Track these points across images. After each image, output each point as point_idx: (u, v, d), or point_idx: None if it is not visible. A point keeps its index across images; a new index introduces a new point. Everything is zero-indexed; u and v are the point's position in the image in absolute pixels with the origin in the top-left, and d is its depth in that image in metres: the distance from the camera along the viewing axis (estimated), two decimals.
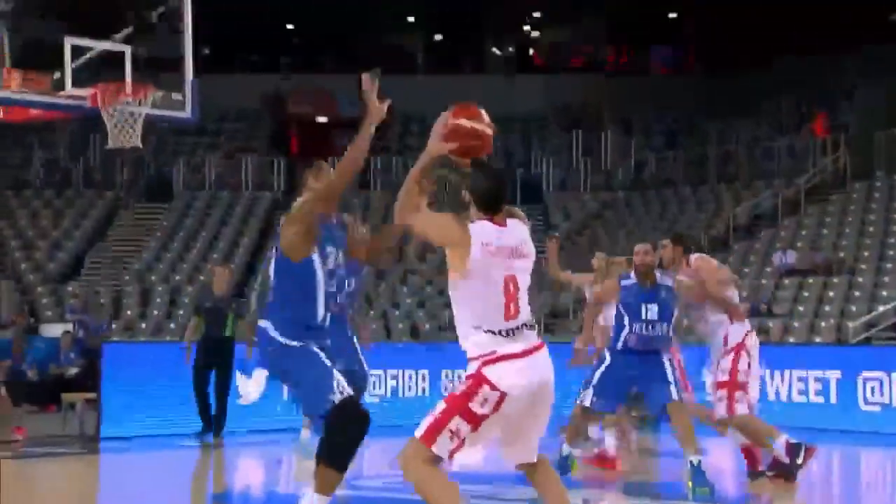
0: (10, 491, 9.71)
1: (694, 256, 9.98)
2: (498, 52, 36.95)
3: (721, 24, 33.95)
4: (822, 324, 21.11)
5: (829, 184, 26.93)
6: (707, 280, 9.72)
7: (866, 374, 15.24)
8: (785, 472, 9.79)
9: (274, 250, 6.83)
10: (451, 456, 5.59)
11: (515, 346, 5.69)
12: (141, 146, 12.27)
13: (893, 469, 12.74)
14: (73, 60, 11.69)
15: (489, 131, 5.79)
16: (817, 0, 31.02)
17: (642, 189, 29.93)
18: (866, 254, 23.30)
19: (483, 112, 5.82)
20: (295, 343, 6.62)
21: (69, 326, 20.55)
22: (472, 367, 5.68)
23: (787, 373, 16.00)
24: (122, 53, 11.86)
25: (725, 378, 9.79)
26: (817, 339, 20.47)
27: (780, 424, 14.74)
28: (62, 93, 11.70)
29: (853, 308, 21.33)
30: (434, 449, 5.53)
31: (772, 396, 15.84)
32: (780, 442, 9.65)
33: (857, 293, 21.88)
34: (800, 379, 15.93)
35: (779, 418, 15.19)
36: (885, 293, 21.46)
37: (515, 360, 5.67)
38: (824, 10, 31.04)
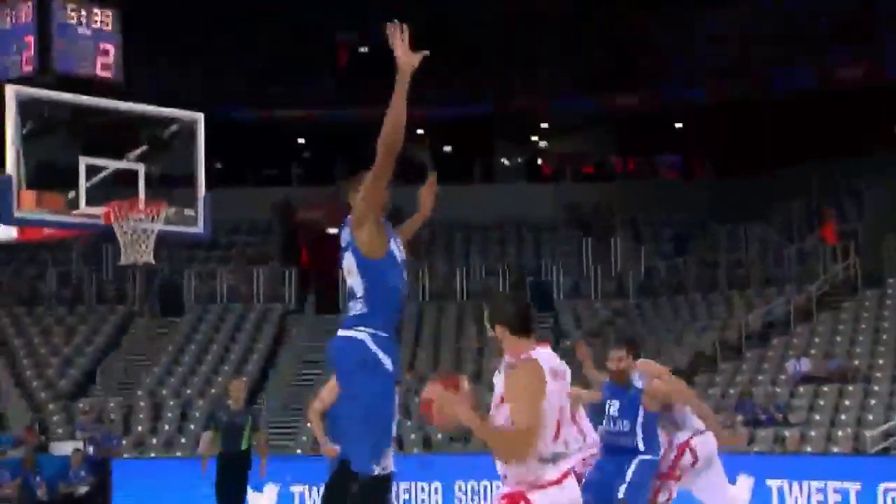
0: None
1: (639, 361, 10.40)
2: (507, 162, 37.17)
3: (728, 131, 34.25)
4: (839, 433, 20.92)
5: (840, 290, 26.93)
6: (676, 388, 10.31)
7: (887, 484, 15.13)
8: None
9: (354, 260, 6.74)
10: None
11: (554, 474, 5.73)
12: (153, 262, 12.34)
13: None
14: (87, 179, 11.84)
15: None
16: (824, 106, 31.36)
17: (653, 296, 29.88)
18: (881, 361, 23.20)
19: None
20: (389, 364, 6.55)
21: (80, 444, 20.51)
22: (510, 488, 5.73)
23: (804, 484, 15.91)
24: (135, 171, 12.03)
25: (663, 471, 10.33)
26: (835, 449, 20.29)
27: None
28: (76, 212, 11.86)
29: (870, 417, 21.19)
30: None
31: None
32: None
33: (873, 401, 21.75)
34: (818, 490, 15.85)
35: None
36: None
37: (551, 488, 5.71)
38: (832, 117, 31.35)
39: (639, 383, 10.03)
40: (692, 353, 26.32)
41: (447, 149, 37.33)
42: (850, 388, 22.37)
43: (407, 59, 6.24)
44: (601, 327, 28.95)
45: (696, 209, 32.77)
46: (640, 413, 10.09)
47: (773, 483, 16.16)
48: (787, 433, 21.08)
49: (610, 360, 10.26)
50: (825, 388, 22.56)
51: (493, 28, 34.81)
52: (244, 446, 13.43)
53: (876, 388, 22.16)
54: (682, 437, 10.33)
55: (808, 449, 20.36)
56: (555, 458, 5.77)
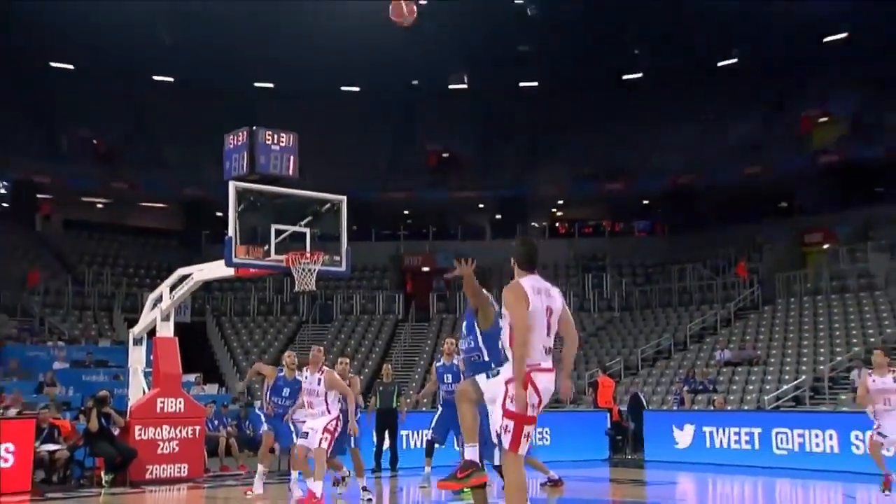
0: None
1: None
2: (536, 224, 37.33)
3: (679, 206, 34.18)
4: (748, 397, 20.79)
5: (749, 307, 26.77)
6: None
7: (777, 429, 15.08)
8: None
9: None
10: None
11: (549, 363, 5.17)
12: (315, 289, 12.64)
13: (794, 491, 12.55)
14: (275, 238, 12.19)
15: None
16: (738, 192, 31.32)
17: (631, 310, 29.81)
18: (773, 351, 23.01)
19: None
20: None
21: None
22: (514, 376, 5.10)
23: (726, 429, 15.85)
24: (304, 233, 12.23)
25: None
26: (745, 407, 20.16)
27: (723, 463, 14.61)
28: (268, 258, 12.00)
29: (767, 386, 21.03)
30: (519, 452, 5.14)
31: (717, 445, 15.70)
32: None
33: (769, 377, 21.59)
34: (735, 433, 15.77)
35: (722, 459, 15.07)
36: (787, 377, 21.17)
37: (547, 373, 5.15)
38: (743, 198, 31.29)
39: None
40: (656, 347, 26.31)
41: (498, 216, 37.60)
42: (755, 368, 22.24)
43: (465, 272, 6.10)
44: (596, 331, 29.04)
45: (658, 256, 32.57)
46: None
47: (707, 429, 16.14)
48: (715, 397, 20.97)
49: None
50: (739, 369, 22.47)
51: (526, 139, 35.13)
52: (394, 405, 13.23)
53: (770, 368, 21.98)
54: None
55: (729, 407, 20.28)
56: (547, 350, 5.22)
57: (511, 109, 34.49)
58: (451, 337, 11.94)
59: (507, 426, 5.09)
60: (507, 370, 5.21)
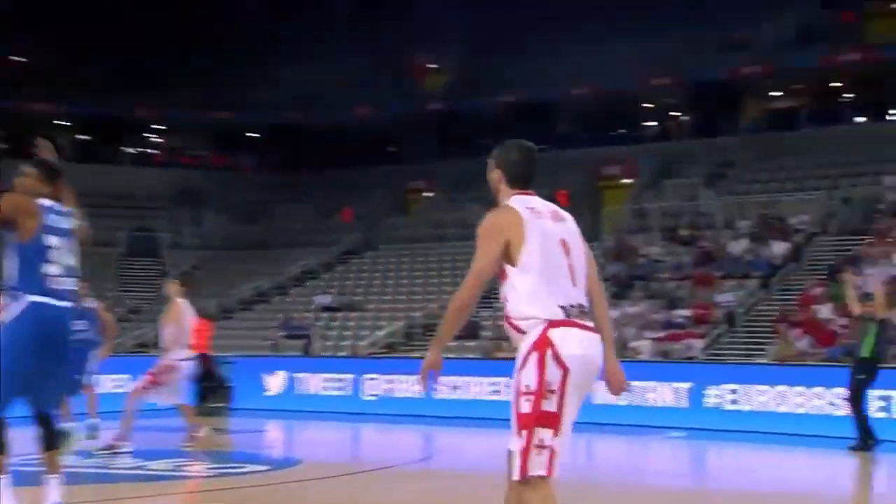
0: None
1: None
2: (129, 150, 35.01)
3: (289, 142, 34.04)
4: (343, 343, 21.17)
5: (352, 251, 27.54)
6: None
7: (367, 376, 15.77)
8: None
9: None
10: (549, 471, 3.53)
11: (581, 319, 3.70)
12: None
13: (378, 434, 13.12)
14: None
15: None
16: (350, 136, 31.73)
17: (230, 250, 29.11)
18: (371, 298, 23.71)
19: None
20: None
21: None
22: (533, 335, 3.63)
23: (317, 375, 16.25)
24: None
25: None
26: (340, 354, 20.17)
27: (313, 410, 14.72)
28: None
29: (363, 333, 21.60)
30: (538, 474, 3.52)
31: (308, 391, 15.91)
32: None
33: (366, 323, 22.29)
34: (325, 379, 16.21)
35: (312, 406, 15.26)
36: (382, 323, 21.94)
37: (578, 330, 3.64)
38: (354, 142, 31.82)
39: None
40: (255, 291, 26.12)
41: (82, 137, 34.70)
42: (353, 314, 22.87)
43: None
44: (191, 270, 27.98)
45: (263, 193, 31.60)
46: None
47: (298, 375, 16.44)
48: (314, 343, 20.84)
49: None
50: (338, 314, 22.89)
51: (121, 57, 32.73)
52: None
53: (367, 314, 22.64)
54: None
55: (326, 353, 20.03)
56: (573, 308, 3.65)
57: (106, 28, 31.83)
58: None
59: (515, 437, 3.49)
60: (525, 339, 3.59)
